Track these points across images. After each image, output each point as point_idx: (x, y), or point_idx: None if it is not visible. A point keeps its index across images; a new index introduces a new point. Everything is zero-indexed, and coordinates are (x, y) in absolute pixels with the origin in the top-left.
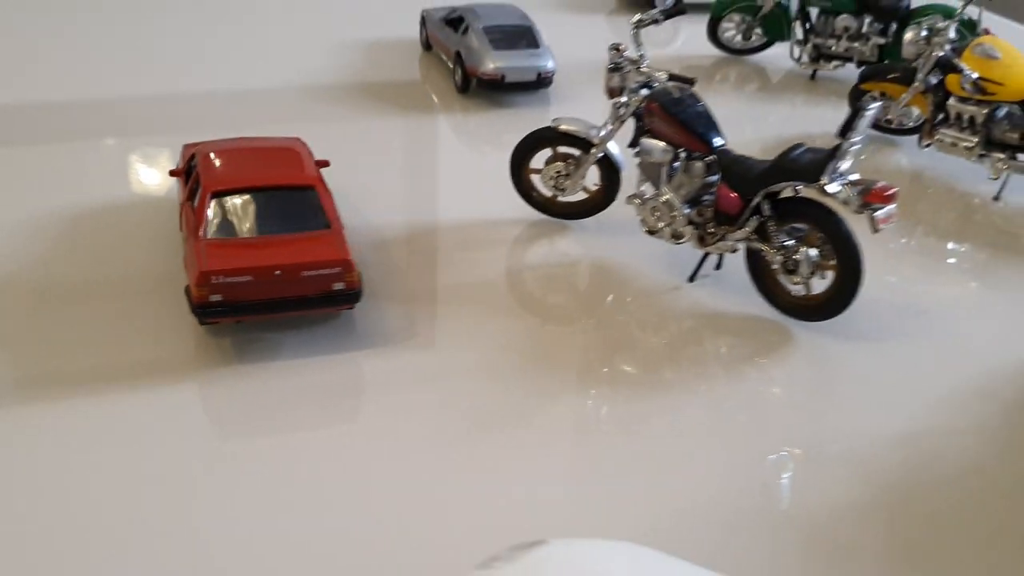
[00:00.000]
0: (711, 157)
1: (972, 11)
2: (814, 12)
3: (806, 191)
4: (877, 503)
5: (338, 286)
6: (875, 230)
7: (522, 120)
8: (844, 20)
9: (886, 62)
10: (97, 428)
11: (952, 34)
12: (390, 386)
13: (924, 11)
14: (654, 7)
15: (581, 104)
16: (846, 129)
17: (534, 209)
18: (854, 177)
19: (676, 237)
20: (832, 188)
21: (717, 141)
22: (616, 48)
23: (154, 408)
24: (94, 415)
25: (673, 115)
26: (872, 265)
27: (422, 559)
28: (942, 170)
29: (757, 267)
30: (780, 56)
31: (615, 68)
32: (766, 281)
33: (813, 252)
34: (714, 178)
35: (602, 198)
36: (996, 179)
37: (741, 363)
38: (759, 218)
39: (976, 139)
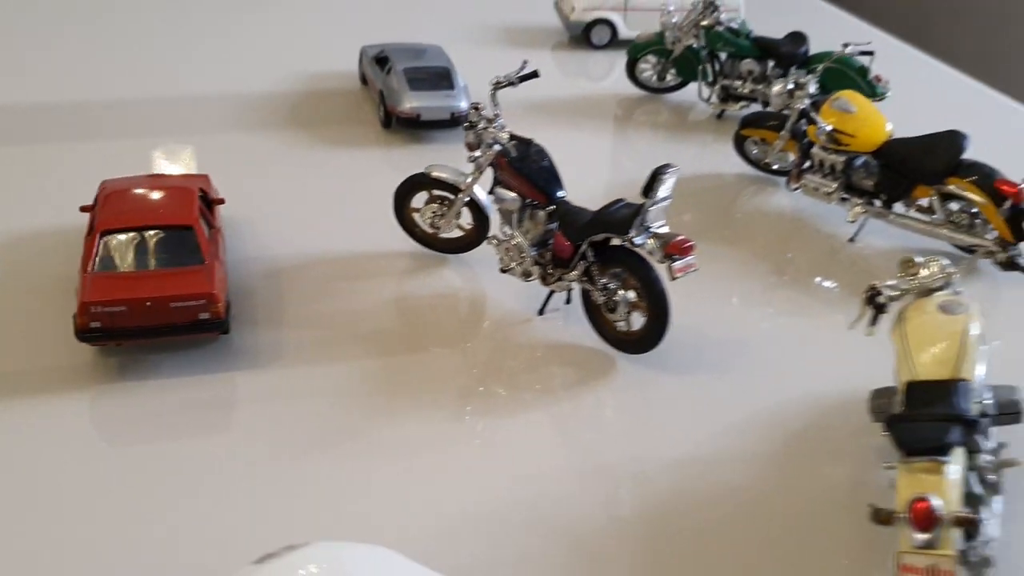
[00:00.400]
0: (551, 207)
1: (865, 58)
2: (723, 55)
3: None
4: (640, 519)
5: (204, 316)
6: (672, 278)
7: (439, 154)
8: (748, 64)
9: (765, 110)
10: None
11: (812, 88)
12: (253, 403)
13: (820, 58)
14: (594, 46)
15: None
16: (648, 190)
17: (417, 244)
18: (661, 230)
19: (525, 275)
20: (638, 240)
21: (558, 193)
22: (475, 107)
23: (39, 419)
24: None
25: (517, 170)
26: (715, 298)
27: (225, 557)
28: (814, 211)
29: (588, 305)
30: (694, 95)
31: (471, 126)
32: (596, 317)
33: (630, 294)
34: (553, 226)
35: (475, 236)
36: (853, 222)
37: (562, 388)
38: (585, 263)
39: (835, 185)
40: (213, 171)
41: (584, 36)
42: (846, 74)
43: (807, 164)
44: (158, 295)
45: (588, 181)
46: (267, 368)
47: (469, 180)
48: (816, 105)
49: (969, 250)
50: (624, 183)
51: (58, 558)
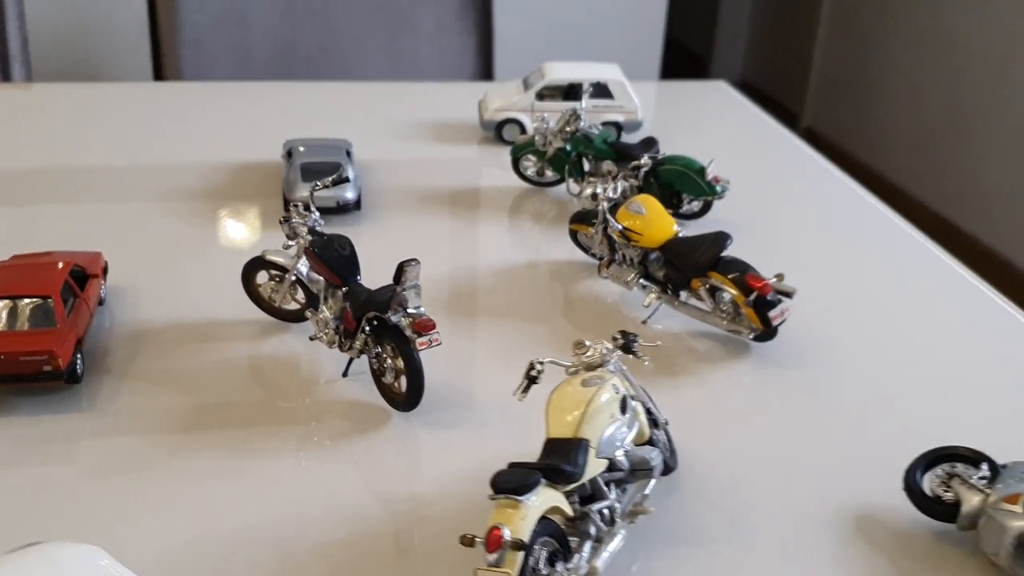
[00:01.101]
0: (345, 289)
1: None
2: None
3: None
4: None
5: (47, 368)
6: (417, 349)
7: (329, 228)
8: (608, 165)
9: (586, 209)
10: None
11: (610, 193)
12: (80, 438)
13: (671, 160)
14: (506, 142)
15: (378, 223)
16: (396, 279)
17: (265, 313)
18: (412, 310)
19: (329, 343)
20: (394, 318)
21: (353, 278)
22: (294, 205)
23: None
24: None
25: (320, 258)
26: (499, 366)
27: None
28: (622, 297)
29: (372, 368)
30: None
31: (286, 220)
32: (376, 379)
33: (398, 362)
34: (347, 304)
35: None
36: (648, 307)
37: (341, 437)
38: (364, 335)
39: (634, 274)
40: (116, 243)
41: (497, 133)
42: (687, 174)
43: (615, 256)
44: (10, 350)
45: (460, 261)
46: (104, 411)
47: (294, 263)
48: (616, 206)
49: (736, 332)
50: (493, 264)
51: None
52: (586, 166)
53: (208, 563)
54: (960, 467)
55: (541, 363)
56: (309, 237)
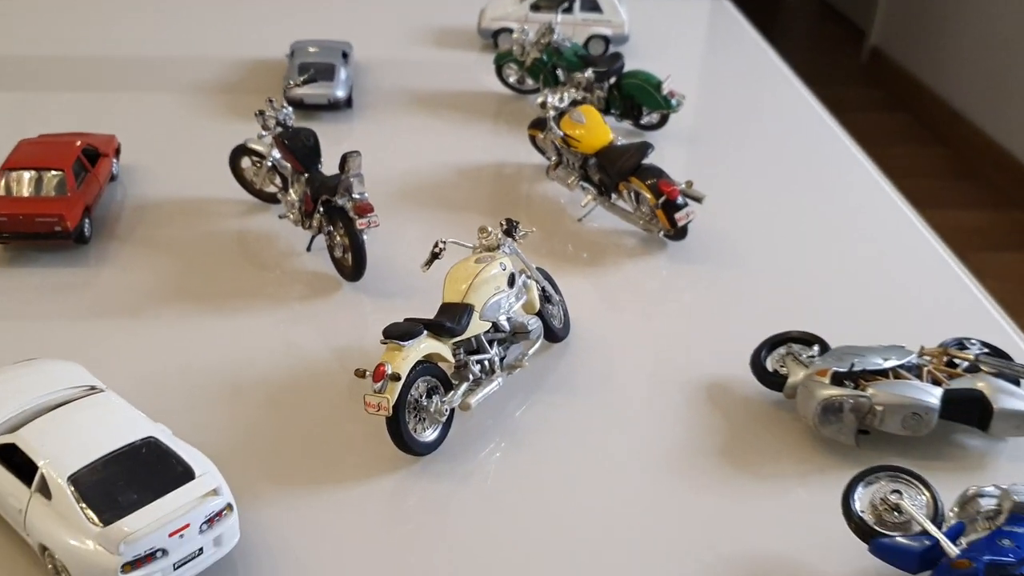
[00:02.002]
0: (305, 176)
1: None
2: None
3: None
4: None
5: (58, 228)
6: (358, 229)
7: (324, 131)
8: (578, 76)
9: (540, 117)
10: None
11: (558, 103)
12: (84, 287)
13: (632, 74)
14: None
15: (366, 120)
16: (341, 168)
17: (249, 194)
18: (356, 195)
19: (295, 222)
20: (340, 201)
21: (314, 166)
22: (269, 100)
23: None
24: None
25: (287, 148)
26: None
27: None
28: (570, 197)
29: (327, 244)
30: None
31: (260, 113)
32: (331, 253)
33: (347, 240)
34: (307, 188)
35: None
36: (584, 207)
37: (295, 300)
38: (319, 215)
39: (574, 176)
40: (131, 128)
41: (493, 41)
42: (645, 88)
43: (561, 160)
44: (28, 212)
45: (434, 158)
46: (108, 267)
47: (268, 151)
48: (561, 115)
49: (650, 231)
50: (463, 162)
51: None
52: (561, 77)
53: (179, 387)
54: (796, 348)
55: (444, 242)
56: (278, 129)
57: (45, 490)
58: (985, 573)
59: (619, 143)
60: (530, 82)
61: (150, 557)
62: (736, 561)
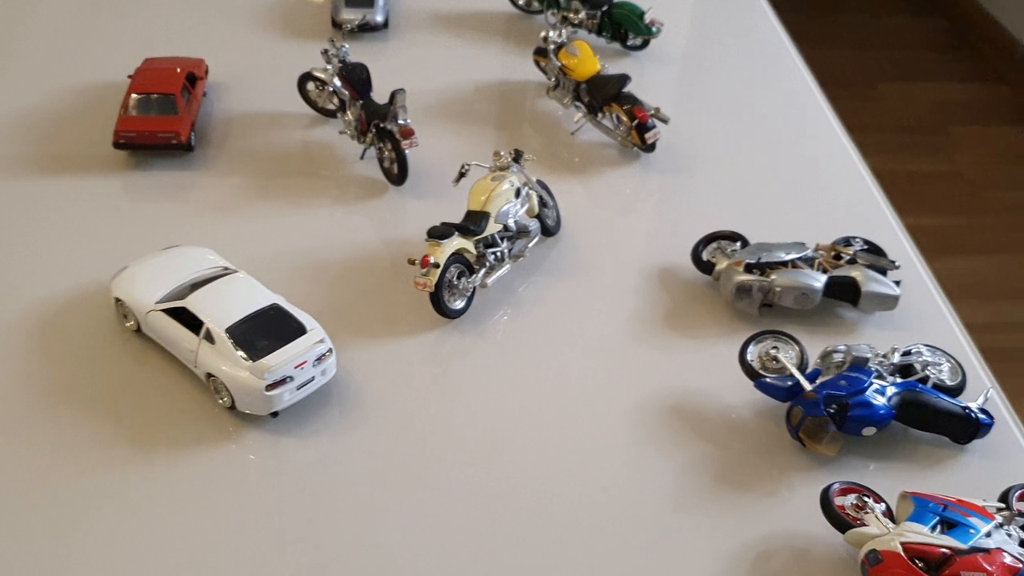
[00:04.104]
0: (360, 103)
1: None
2: None
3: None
4: None
5: (174, 141)
6: (402, 149)
7: (357, 46)
8: (576, 4)
9: (541, 46)
10: None
11: (555, 37)
12: (190, 189)
13: (620, 5)
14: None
15: (400, 43)
16: (390, 101)
17: (313, 110)
18: (402, 121)
19: (352, 137)
20: (389, 127)
21: (366, 94)
22: (331, 40)
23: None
24: None
25: (345, 79)
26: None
27: None
28: (564, 114)
29: (377, 158)
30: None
31: (325, 51)
32: (380, 164)
33: (393, 155)
34: (362, 112)
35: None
36: (577, 122)
37: (356, 200)
38: (371, 134)
39: (568, 97)
40: (217, 50)
41: None
42: (631, 16)
43: (559, 83)
44: (150, 129)
45: (458, 77)
46: (209, 170)
47: (329, 79)
48: (559, 47)
49: (626, 146)
50: (480, 81)
51: None
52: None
53: (276, 267)
54: (724, 243)
55: (468, 165)
56: (339, 64)
57: (209, 338)
58: (824, 400)
59: (605, 72)
60: (536, 4)
61: (283, 381)
62: (664, 394)
